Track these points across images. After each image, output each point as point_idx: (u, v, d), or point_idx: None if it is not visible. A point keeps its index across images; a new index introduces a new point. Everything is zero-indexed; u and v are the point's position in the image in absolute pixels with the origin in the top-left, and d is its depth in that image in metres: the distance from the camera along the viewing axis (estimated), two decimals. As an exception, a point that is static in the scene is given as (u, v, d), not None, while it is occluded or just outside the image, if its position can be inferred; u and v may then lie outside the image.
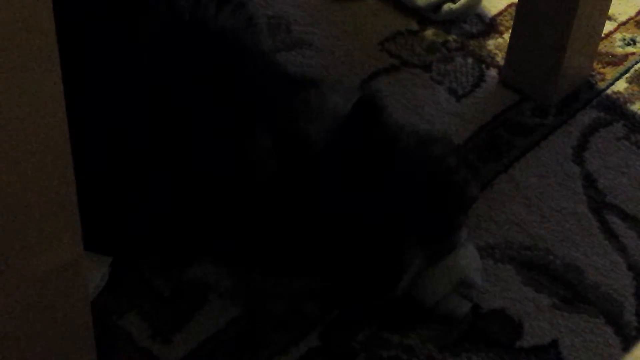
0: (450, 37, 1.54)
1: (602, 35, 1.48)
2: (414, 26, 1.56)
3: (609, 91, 1.48)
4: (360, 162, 1.07)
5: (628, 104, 1.46)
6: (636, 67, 1.52)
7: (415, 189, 1.11)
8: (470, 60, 1.51)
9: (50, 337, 0.89)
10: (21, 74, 0.71)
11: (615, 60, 1.53)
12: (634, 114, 1.45)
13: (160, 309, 1.16)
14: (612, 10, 1.50)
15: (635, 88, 1.49)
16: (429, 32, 1.55)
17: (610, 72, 1.51)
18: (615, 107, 1.46)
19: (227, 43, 1.16)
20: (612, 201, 1.33)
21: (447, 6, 1.55)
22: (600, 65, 1.51)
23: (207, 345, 1.14)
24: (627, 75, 1.51)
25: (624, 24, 1.59)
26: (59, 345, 0.91)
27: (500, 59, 1.51)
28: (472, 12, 1.58)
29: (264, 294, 1.11)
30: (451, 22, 1.57)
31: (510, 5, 1.59)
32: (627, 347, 1.18)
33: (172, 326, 1.15)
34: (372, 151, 1.08)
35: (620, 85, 1.49)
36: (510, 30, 1.47)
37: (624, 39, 1.56)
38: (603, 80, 1.49)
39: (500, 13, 1.59)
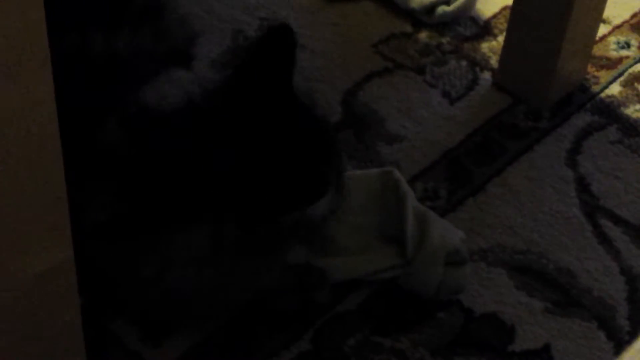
0: (444, 40, 1.54)
1: (597, 38, 1.48)
2: (408, 29, 1.56)
3: (603, 94, 1.48)
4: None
5: (622, 108, 1.46)
6: (630, 70, 1.52)
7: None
8: (464, 63, 1.51)
9: (39, 340, 0.89)
10: (12, 76, 0.71)
11: (610, 63, 1.52)
12: (628, 118, 1.45)
13: (150, 313, 1.15)
14: (607, 13, 1.50)
15: (630, 91, 1.48)
16: (423, 35, 1.55)
17: (604, 76, 1.50)
18: (609, 111, 1.45)
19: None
20: (606, 205, 1.33)
21: (441, 9, 1.54)
22: (594, 69, 1.51)
23: (197, 349, 1.14)
24: (621, 78, 1.50)
25: (618, 27, 1.59)
26: (49, 348, 0.91)
27: (494, 62, 1.50)
28: (466, 15, 1.57)
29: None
30: (445, 24, 1.56)
31: (504, 8, 1.59)
32: (619, 351, 1.18)
33: (162, 330, 1.14)
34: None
35: (615, 89, 1.49)
36: (504, 33, 1.46)
37: (619, 42, 1.56)
38: (597, 83, 1.49)
39: (495, 16, 1.59)
